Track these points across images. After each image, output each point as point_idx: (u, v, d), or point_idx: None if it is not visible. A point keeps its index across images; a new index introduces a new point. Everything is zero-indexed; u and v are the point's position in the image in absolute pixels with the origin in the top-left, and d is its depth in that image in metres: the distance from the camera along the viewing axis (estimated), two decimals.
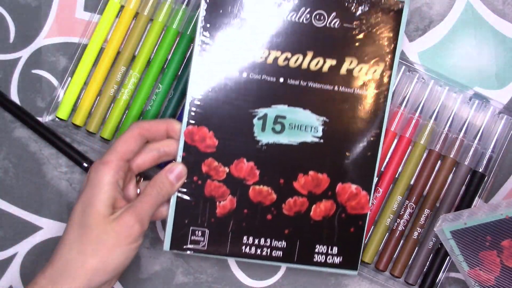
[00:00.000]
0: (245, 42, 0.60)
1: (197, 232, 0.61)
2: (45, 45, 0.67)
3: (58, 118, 0.65)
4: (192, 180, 0.61)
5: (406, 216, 0.64)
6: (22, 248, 0.66)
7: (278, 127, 0.61)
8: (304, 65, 0.60)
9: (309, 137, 0.61)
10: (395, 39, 0.61)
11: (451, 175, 0.64)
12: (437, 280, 0.64)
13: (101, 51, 0.65)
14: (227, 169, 0.61)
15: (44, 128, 0.65)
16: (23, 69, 0.67)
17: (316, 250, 0.62)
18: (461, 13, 0.66)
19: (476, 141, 0.63)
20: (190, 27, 0.64)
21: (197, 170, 0.60)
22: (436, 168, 0.64)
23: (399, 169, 0.64)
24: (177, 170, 0.59)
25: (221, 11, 0.59)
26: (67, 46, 0.67)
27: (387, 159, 0.64)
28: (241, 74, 0.60)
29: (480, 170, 0.63)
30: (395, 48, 0.61)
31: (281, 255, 0.62)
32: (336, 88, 0.61)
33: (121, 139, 0.57)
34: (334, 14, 0.60)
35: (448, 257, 0.64)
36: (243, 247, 0.62)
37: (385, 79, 0.61)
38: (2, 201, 0.66)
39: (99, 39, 0.65)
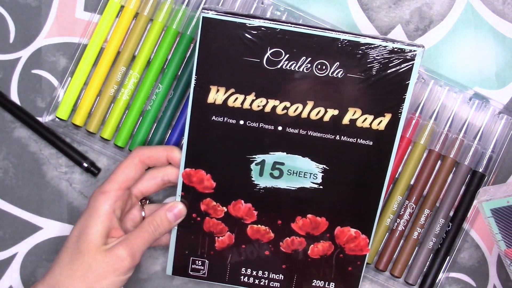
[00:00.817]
0: (242, 90, 0.58)
1: (197, 262, 0.62)
2: (45, 45, 0.66)
3: (58, 118, 0.65)
4: (191, 217, 0.61)
5: (406, 216, 0.64)
6: (22, 248, 0.66)
7: (276, 173, 0.60)
8: (304, 115, 0.58)
9: (307, 183, 0.60)
10: (404, 89, 0.57)
11: (451, 175, 0.64)
12: (437, 280, 0.64)
13: (101, 51, 0.65)
14: (225, 209, 0.61)
15: (44, 128, 0.65)
16: (23, 69, 0.66)
17: (314, 284, 0.62)
18: (461, 13, 0.66)
19: (476, 141, 0.63)
20: (190, 28, 0.64)
21: (196, 208, 0.61)
22: (436, 168, 0.64)
23: (399, 169, 0.64)
24: (177, 210, 0.60)
25: (214, 61, 0.58)
26: (67, 46, 0.67)
27: None
28: (238, 121, 0.59)
29: (480, 170, 0.63)
30: (404, 98, 0.58)
31: (278, 286, 0.62)
32: (337, 137, 0.58)
33: (121, 166, 0.59)
34: (337, 64, 0.57)
35: (448, 257, 0.64)
36: (242, 277, 0.62)
37: (391, 130, 0.58)
38: (2, 201, 0.66)
39: (99, 39, 0.65)
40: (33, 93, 0.66)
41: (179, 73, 0.65)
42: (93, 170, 0.65)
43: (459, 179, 0.63)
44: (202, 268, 0.62)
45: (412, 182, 0.64)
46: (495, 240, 0.58)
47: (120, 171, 0.58)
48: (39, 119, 0.66)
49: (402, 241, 0.64)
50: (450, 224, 0.63)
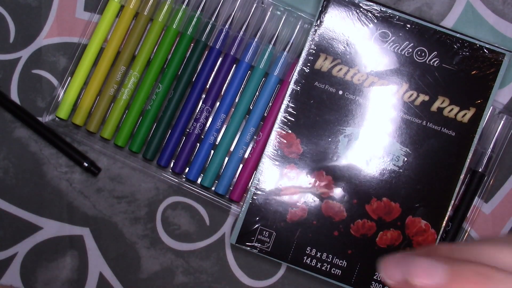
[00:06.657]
0: (347, 63, 0.62)
1: (264, 233, 0.63)
2: (45, 45, 0.67)
3: (58, 118, 0.65)
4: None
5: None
6: (22, 248, 0.66)
7: (361, 149, 0.62)
8: (398, 96, 0.62)
9: (389, 165, 0.62)
10: (489, 88, 0.62)
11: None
12: None
13: (101, 51, 0.65)
14: (307, 177, 0.62)
15: (44, 128, 0.65)
16: (23, 69, 0.67)
17: (375, 277, 0.63)
18: (461, 13, 0.66)
19: (475, 141, 0.63)
20: (191, 27, 0.64)
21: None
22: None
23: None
24: None
25: (328, 33, 0.62)
26: (67, 46, 0.67)
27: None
28: (338, 91, 0.62)
29: (480, 170, 0.63)
30: (488, 97, 0.62)
31: (340, 273, 0.63)
32: (424, 123, 0.62)
33: None
34: (435, 53, 0.62)
35: None
36: (305, 258, 0.63)
37: (473, 125, 0.62)
38: (2, 201, 0.66)
39: (99, 39, 0.65)
40: (33, 93, 0.66)
41: (179, 73, 0.65)
42: (93, 170, 0.65)
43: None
44: (268, 240, 0.63)
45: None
46: None
47: None
48: (39, 119, 0.66)
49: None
50: (450, 224, 0.63)
